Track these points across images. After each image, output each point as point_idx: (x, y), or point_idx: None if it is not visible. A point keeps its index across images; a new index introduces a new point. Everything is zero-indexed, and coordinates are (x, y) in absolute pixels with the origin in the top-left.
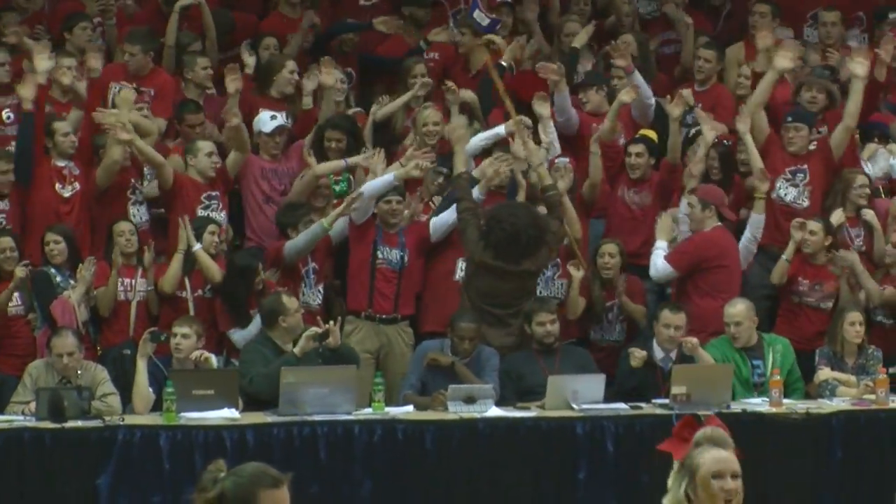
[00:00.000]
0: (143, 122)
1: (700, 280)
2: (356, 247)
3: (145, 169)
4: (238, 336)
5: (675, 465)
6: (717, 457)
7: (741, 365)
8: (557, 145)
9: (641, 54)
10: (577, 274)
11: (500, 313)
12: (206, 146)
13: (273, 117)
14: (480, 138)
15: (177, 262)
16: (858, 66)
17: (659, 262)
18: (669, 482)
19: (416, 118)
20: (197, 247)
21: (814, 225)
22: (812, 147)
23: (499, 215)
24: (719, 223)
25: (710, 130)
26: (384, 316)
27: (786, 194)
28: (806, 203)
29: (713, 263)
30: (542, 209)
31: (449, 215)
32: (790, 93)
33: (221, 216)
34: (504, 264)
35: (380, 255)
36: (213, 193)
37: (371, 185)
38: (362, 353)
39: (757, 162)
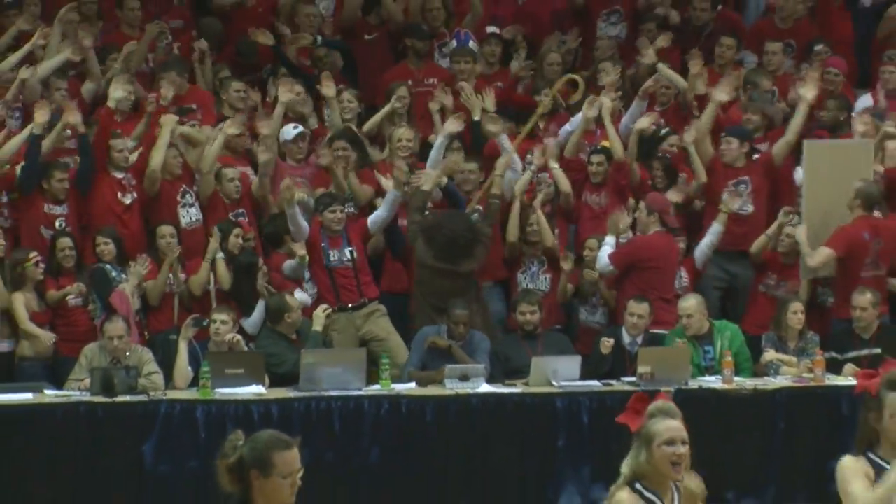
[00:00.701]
0: (193, 133)
1: (636, 278)
2: (311, 254)
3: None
4: (246, 324)
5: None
6: (669, 426)
7: (693, 351)
8: (519, 165)
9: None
10: (567, 266)
11: (445, 307)
12: (230, 173)
13: (295, 126)
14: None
15: (204, 270)
16: (808, 91)
17: (603, 258)
18: (633, 450)
19: (391, 135)
20: (220, 256)
21: (790, 229)
22: (755, 158)
23: (439, 223)
24: (661, 228)
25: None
26: (352, 304)
27: (732, 204)
28: (751, 209)
29: (648, 265)
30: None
31: (382, 211)
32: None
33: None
34: (445, 265)
35: (332, 258)
36: (240, 211)
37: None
38: (347, 342)
39: (701, 175)
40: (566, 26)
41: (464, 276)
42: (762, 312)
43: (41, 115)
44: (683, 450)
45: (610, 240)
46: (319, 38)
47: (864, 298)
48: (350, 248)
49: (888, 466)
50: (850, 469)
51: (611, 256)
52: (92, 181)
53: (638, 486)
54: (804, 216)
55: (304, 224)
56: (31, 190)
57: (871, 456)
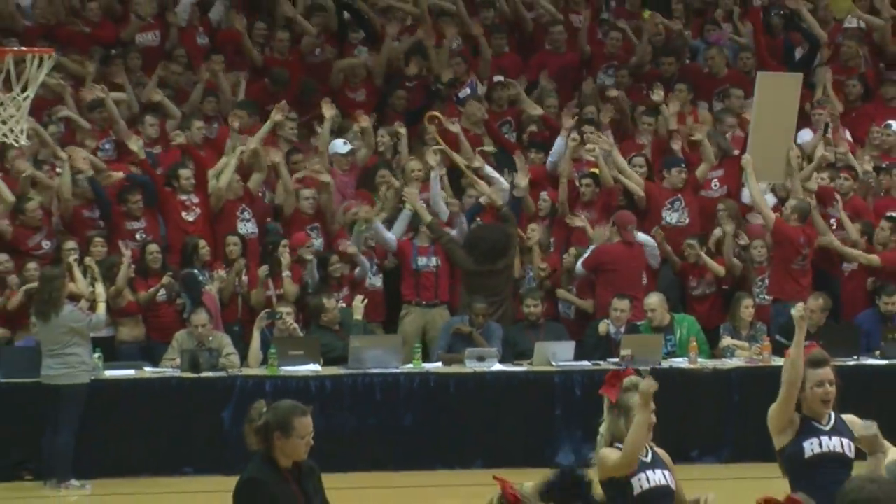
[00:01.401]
0: (258, 161)
1: (603, 280)
2: (400, 259)
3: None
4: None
5: (606, 404)
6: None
7: (661, 341)
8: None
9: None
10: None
11: (491, 300)
12: (306, 192)
13: (345, 143)
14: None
15: (261, 288)
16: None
17: (578, 264)
18: (605, 414)
19: (405, 166)
20: (286, 274)
21: (691, 241)
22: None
23: (480, 234)
24: (621, 239)
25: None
26: (426, 302)
27: (671, 219)
28: (686, 221)
29: (607, 268)
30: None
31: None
32: None
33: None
34: (486, 267)
35: (420, 263)
36: (315, 224)
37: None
38: (414, 330)
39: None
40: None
41: (502, 271)
42: (695, 309)
43: (134, 144)
44: (653, 417)
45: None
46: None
47: (816, 304)
48: (437, 258)
49: (817, 422)
50: (777, 418)
51: (582, 262)
52: (157, 195)
53: (617, 445)
54: (750, 146)
55: (389, 235)
56: (108, 216)
57: (801, 414)
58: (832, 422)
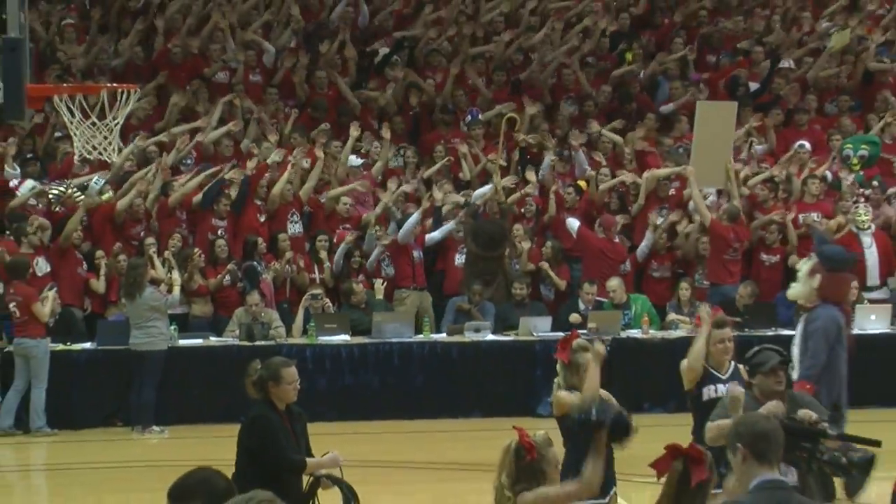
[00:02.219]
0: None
1: (589, 265)
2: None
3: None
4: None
5: (560, 363)
6: (588, 357)
7: (620, 316)
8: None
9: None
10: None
11: (486, 281)
12: (344, 199)
13: (357, 157)
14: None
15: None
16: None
17: (574, 223)
18: (559, 371)
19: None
20: (326, 265)
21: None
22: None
23: (482, 226)
24: (604, 236)
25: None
26: (419, 287)
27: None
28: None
29: (591, 253)
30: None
31: (437, 234)
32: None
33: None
34: (486, 253)
35: (416, 257)
36: (347, 225)
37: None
38: (412, 308)
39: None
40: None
41: (497, 258)
42: (653, 290)
43: (235, 174)
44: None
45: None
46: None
47: (745, 290)
48: (421, 251)
49: (715, 371)
50: (688, 370)
51: (579, 228)
52: (243, 206)
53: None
54: (693, 160)
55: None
56: (207, 207)
57: (705, 365)
58: (730, 371)
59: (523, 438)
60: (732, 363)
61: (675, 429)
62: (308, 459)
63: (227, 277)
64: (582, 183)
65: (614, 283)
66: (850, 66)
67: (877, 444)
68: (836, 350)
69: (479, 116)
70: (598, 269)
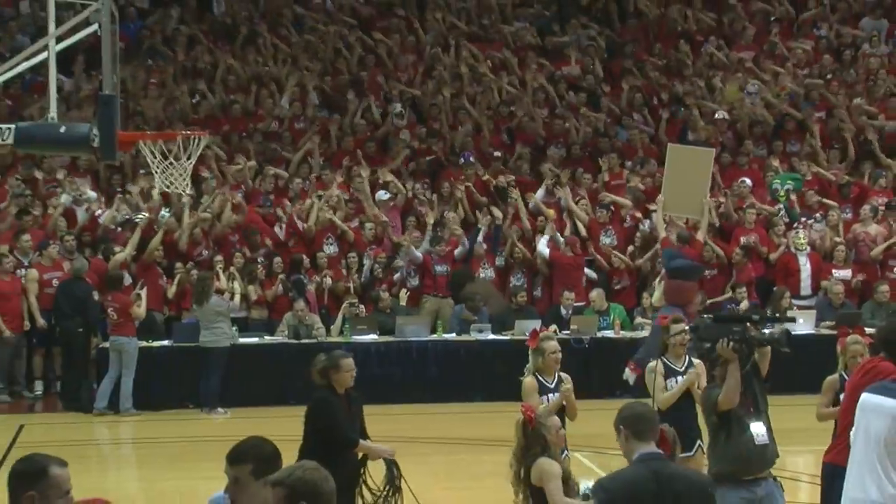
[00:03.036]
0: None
1: (556, 274)
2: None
3: None
4: None
5: (531, 350)
6: (553, 345)
7: (598, 319)
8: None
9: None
10: None
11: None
12: (369, 225)
13: (385, 193)
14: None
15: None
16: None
17: (543, 248)
18: (530, 355)
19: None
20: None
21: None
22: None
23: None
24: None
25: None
26: (441, 294)
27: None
28: (615, 243)
29: (560, 269)
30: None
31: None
32: None
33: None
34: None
35: (438, 269)
36: (372, 246)
37: None
38: (432, 313)
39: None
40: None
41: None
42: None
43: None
44: (560, 354)
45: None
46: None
47: (697, 299)
48: (447, 265)
49: (673, 364)
50: (652, 367)
51: (549, 246)
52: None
53: (537, 375)
54: (663, 202)
55: (417, 254)
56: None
57: (663, 359)
58: (685, 364)
59: (526, 413)
60: (688, 357)
61: None
62: (361, 441)
63: (280, 288)
64: (550, 212)
65: (595, 294)
66: (770, 115)
67: (792, 320)
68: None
69: (472, 159)
70: (565, 279)
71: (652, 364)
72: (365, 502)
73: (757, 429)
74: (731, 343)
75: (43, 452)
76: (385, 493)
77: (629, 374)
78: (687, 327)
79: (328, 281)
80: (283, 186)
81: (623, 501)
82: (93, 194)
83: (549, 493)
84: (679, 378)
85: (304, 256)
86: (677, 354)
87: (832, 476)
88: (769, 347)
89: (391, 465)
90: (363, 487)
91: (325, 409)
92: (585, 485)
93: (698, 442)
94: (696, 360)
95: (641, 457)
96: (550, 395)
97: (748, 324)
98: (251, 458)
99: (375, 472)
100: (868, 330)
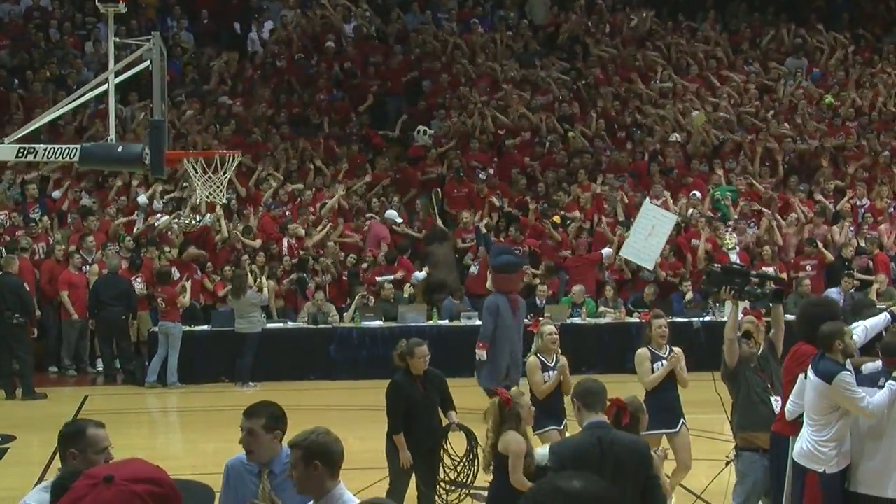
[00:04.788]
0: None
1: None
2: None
3: None
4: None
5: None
6: (551, 329)
7: (573, 308)
8: None
9: None
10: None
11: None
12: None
13: (396, 214)
14: None
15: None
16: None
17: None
18: (536, 338)
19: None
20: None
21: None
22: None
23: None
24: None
25: None
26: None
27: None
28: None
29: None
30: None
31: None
32: None
33: None
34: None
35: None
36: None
37: None
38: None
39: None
40: None
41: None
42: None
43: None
44: (556, 336)
45: None
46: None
47: (650, 291)
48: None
49: (657, 351)
50: (640, 355)
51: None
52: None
53: (539, 355)
54: (630, 236)
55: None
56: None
57: (648, 348)
58: (668, 352)
59: (503, 395)
60: (668, 346)
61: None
62: (395, 437)
63: (289, 284)
64: (556, 218)
65: (576, 288)
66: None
67: (782, 279)
68: (505, 322)
69: (482, 175)
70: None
71: (641, 351)
72: (444, 466)
73: (776, 403)
74: (732, 290)
75: (86, 418)
76: (462, 460)
77: (479, 352)
78: (664, 322)
79: (328, 278)
80: (296, 196)
81: (571, 463)
82: (145, 200)
83: (511, 467)
84: (662, 362)
85: (310, 256)
86: (658, 344)
87: (776, 443)
88: (783, 328)
89: (470, 437)
90: (444, 454)
91: (391, 393)
92: (541, 451)
93: (681, 420)
94: (675, 349)
95: (589, 425)
96: (550, 373)
97: (747, 277)
98: (265, 414)
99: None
100: (789, 317)
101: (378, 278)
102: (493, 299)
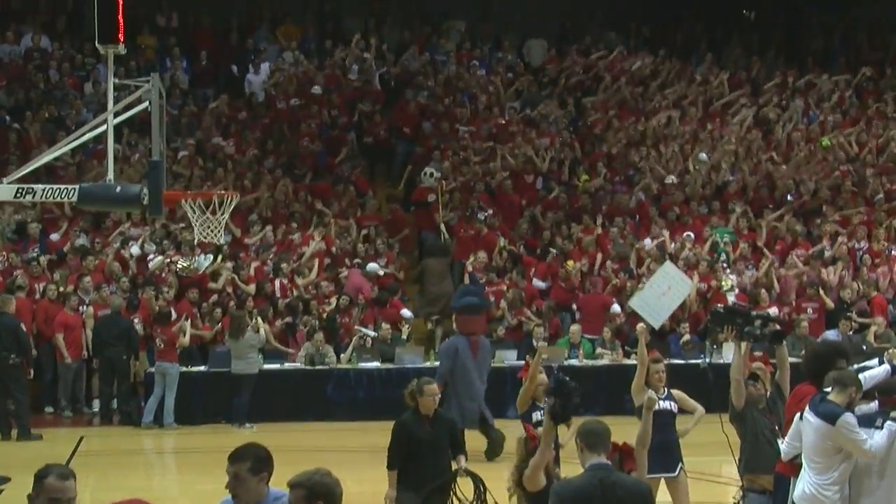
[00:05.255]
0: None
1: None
2: None
3: None
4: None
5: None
6: (543, 378)
7: (570, 350)
8: None
9: None
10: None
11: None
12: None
13: (378, 266)
14: None
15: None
16: None
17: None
18: (524, 382)
19: None
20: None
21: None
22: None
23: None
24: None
25: None
26: None
27: None
28: None
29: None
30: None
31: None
32: None
33: None
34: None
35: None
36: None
37: None
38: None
39: None
40: None
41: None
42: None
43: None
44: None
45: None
46: None
47: (659, 366)
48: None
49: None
50: (636, 387)
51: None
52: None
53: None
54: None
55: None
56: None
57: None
58: (665, 393)
59: (528, 431)
60: (666, 388)
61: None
62: (389, 472)
63: (281, 326)
64: (570, 263)
65: (574, 328)
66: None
67: (781, 322)
68: (464, 364)
69: (481, 216)
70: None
71: (651, 394)
72: None
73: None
74: (734, 330)
75: (61, 465)
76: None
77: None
78: (662, 366)
79: (316, 323)
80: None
81: None
82: (138, 251)
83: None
84: (659, 402)
85: (300, 302)
86: (656, 388)
87: (778, 483)
88: (788, 368)
89: (477, 482)
90: (454, 497)
91: (394, 430)
92: None
93: (680, 464)
94: (674, 391)
95: (591, 466)
96: (538, 413)
97: (748, 318)
98: (250, 456)
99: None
100: (793, 360)
101: (357, 327)
102: (452, 341)
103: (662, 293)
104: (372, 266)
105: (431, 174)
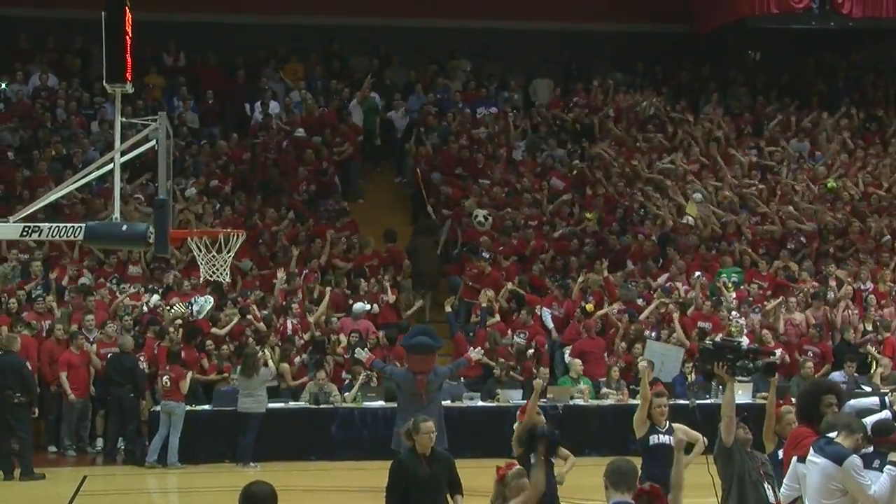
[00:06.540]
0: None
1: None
2: None
3: None
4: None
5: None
6: (540, 419)
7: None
8: None
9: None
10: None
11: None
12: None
13: (364, 305)
14: None
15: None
16: None
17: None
18: (517, 424)
19: None
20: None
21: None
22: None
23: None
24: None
25: None
26: None
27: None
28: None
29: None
30: None
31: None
32: None
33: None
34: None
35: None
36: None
37: None
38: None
39: None
40: None
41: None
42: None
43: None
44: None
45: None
46: None
47: (662, 400)
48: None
49: (656, 426)
50: (638, 419)
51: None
52: None
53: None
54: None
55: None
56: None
57: (649, 421)
58: (667, 427)
59: (498, 472)
60: (668, 422)
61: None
62: None
63: (307, 361)
64: (590, 306)
65: (575, 362)
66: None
67: (773, 353)
68: (406, 396)
69: (485, 255)
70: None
71: (680, 435)
72: None
73: (769, 490)
74: (725, 366)
75: None
76: None
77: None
78: (665, 400)
79: (340, 360)
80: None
81: None
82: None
83: None
84: (660, 436)
85: (326, 340)
86: (658, 421)
87: None
88: (776, 401)
89: None
90: None
91: (391, 470)
92: None
93: None
94: (675, 424)
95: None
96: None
97: (738, 353)
98: (257, 498)
99: None
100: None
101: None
102: (398, 374)
103: (659, 370)
104: (358, 306)
105: (485, 217)
